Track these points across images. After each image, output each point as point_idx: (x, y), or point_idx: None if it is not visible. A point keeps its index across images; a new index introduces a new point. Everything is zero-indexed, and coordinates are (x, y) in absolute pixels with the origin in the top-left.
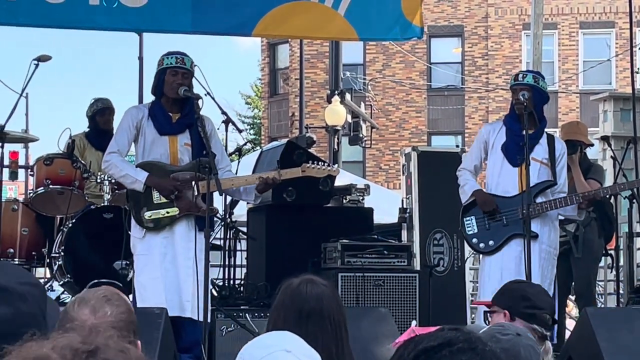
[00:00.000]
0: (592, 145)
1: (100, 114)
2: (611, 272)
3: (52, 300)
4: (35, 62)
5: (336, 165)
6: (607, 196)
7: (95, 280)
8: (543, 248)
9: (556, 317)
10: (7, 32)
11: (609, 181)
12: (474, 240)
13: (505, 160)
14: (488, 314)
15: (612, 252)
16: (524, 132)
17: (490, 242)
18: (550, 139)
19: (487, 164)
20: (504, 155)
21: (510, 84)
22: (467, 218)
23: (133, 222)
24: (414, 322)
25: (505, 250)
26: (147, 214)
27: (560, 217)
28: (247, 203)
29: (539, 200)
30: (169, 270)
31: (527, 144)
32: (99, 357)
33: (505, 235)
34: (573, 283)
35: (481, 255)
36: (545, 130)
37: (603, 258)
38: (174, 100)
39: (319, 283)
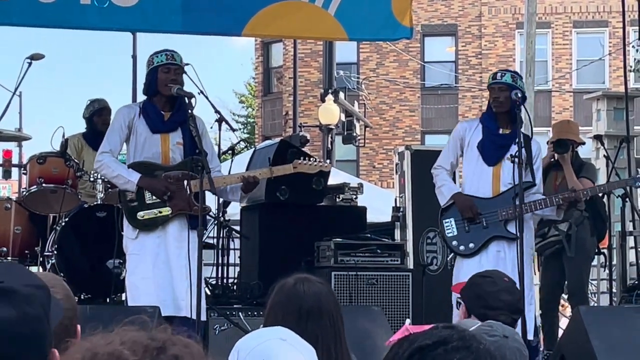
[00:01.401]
0: (584, 143)
1: (98, 115)
2: (604, 270)
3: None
4: (29, 60)
5: (328, 161)
6: (588, 198)
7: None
8: (525, 250)
9: (540, 314)
10: (0, 31)
11: (601, 180)
12: (454, 242)
13: (480, 158)
14: (459, 301)
15: (605, 250)
16: (501, 131)
17: (471, 245)
18: (527, 139)
19: (462, 162)
20: (480, 153)
21: (488, 83)
22: (447, 220)
23: (125, 222)
24: (407, 321)
25: (483, 253)
26: (140, 214)
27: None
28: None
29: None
30: (162, 270)
31: (521, 142)
32: (168, 354)
33: (485, 238)
34: (566, 282)
35: (457, 257)
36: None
37: (596, 257)
38: (166, 98)
39: (315, 281)
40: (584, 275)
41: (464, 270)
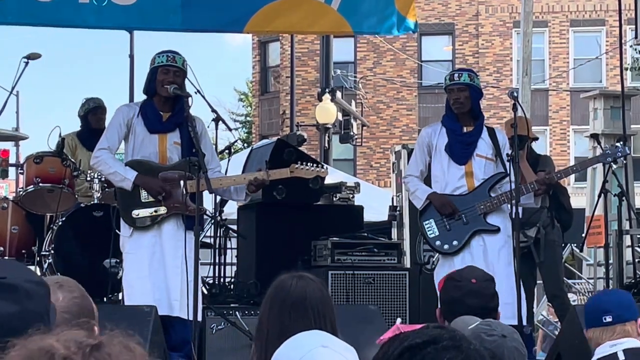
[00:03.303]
0: (537, 139)
1: (93, 113)
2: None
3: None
4: (25, 60)
5: (325, 167)
6: (559, 180)
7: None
8: (503, 237)
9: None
10: None
11: (597, 182)
12: (437, 242)
13: (450, 160)
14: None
15: (602, 249)
16: (465, 130)
17: (454, 242)
18: (491, 131)
19: (432, 167)
20: (449, 155)
21: (445, 85)
22: (427, 221)
23: (121, 220)
24: (398, 320)
25: (466, 249)
26: (135, 212)
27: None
28: (238, 202)
29: (493, 194)
30: (157, 269)
31: (515, 140)
32: (103, 352)
33: (467, 233)
34: (543, 284)
35: (440, 256)
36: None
37: (590, 255)
38: (165, 99)
39: (307, 277)
40: (560, 275)
41: (445, 270)
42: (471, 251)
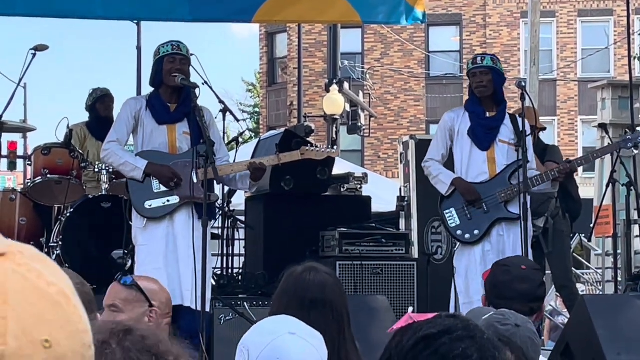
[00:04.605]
0: (545, 129)
1: (101, 101)
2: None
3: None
4: (33, 51)
5: (335, 147)
6: (579, 166)
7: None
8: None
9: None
10: (4, 22)
11: (606, 171)
12: (459, 232)
13: (473, 145)
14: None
15: (610, 239)
16: (488, 115)
17: (476, 232)
18: (513, 118)
19: (453, 152)
20: (472, 140)
21: (469, 68)
22: (447, 210)
23: (134, 212)
24: (410, 309)
25: (486, 238)
26: (148, 204)
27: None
28: (245, 192)
29: (514, 181)
30: (171, 260)
31: (524, 131)
32: (135, 335)
33: (489, 222)
34: (552, 274)
35: (459, 244)
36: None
37: (598, 245)
38: (172, 89)
39: (322, 271)
40: (568, 265)
41: (465, 259)
42: (491, 240)
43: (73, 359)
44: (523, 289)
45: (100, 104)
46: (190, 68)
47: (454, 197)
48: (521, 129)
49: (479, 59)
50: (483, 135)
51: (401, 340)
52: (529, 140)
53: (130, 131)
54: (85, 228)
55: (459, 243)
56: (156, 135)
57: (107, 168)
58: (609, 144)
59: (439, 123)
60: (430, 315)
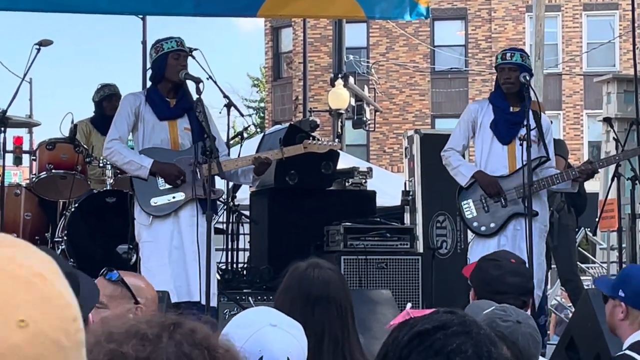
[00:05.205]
0: (551, 123)
1: (108, 100)
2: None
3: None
4: (37, 46)
5: (337, 140)
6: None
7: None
8: (540, 226)
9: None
10: (9, 17)
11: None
12: (475, 224)
13: (494, 138)
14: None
15: (615, 233)
16: (512, 110)
17: (492, 225)
18: (536, 115)
19: (474, 143)
20: (494, 133)
21: (497, 63)
22: (465, 202)
23: (138, 209)
24: (409, 305)
25: (502, 232)
26: (153, 201)
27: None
28: (250, 186)
29: (534, 178)
30: (176, 256)
31: (528, 125)
32: (185, 328)
33: (506, 216)
34: (557, 268)
35: (475, 237)
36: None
37: (603, 239)
38: (172, 85)
39: (326, 268)
40: (573, 259)
41: (479, 251)
42: (506, 235)
43: (54, 334)
44: (515, 282)
45: (107, 103)
46: (195, 63)
47: (473, 189)
48: (544, 124)
49: (508, 54)
50: (505, 130)
51: (397, 336)
52: (550, 135)
53: (130, 127)
54: (90, 223)
55: (473, 235)
56: (157, 131)
57: (113, 164)
58: (614, 138)
59: (462, 114)
60: (428, 311)
